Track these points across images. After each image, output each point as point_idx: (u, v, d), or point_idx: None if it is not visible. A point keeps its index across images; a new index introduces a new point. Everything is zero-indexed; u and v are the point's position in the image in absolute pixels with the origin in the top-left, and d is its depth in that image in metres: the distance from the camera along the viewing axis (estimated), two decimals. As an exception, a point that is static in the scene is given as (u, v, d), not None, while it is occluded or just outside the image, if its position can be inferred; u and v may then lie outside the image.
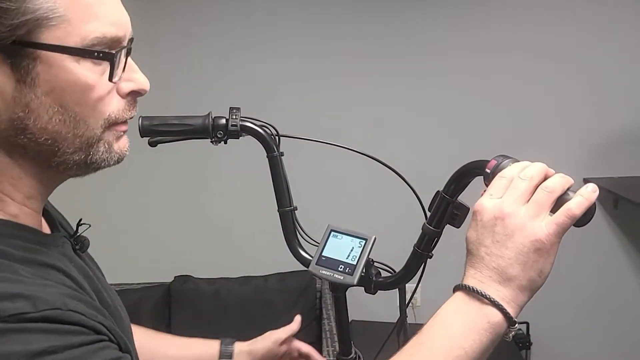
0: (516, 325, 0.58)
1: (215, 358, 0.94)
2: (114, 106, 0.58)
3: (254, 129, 0.88)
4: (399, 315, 0.97)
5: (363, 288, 0.86)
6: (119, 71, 0.57)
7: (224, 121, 0.87)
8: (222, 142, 0.91)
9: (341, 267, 0.83)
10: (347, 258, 0.83)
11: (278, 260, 2.59)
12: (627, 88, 2.49)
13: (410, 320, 2.84)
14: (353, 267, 0.82)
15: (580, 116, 2.52)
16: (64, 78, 0.53)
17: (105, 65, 0.56)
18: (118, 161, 0.61)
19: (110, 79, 0.56)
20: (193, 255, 2.60)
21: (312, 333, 2.42)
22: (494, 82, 2.52)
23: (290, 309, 2.44)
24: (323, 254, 0.85)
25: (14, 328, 0.45)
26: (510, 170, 0.63)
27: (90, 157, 0.58)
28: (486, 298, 0.58)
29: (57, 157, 0.56)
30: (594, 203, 0.59)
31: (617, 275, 2.62)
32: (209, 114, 0.89)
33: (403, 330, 0.98)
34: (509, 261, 0.58)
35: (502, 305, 0.58)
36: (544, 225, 0.58)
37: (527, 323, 2.60)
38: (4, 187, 0.57)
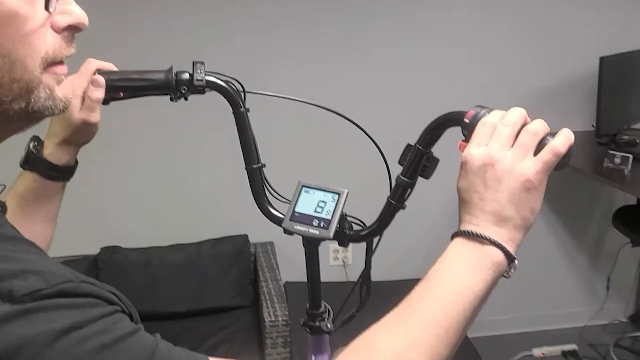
0: (515, 261, 0.62)
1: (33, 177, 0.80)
2: (50, 42, 0.52)
3: (219, 84, 0.85)
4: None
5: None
6: (53, 1, 0.50)
7: (187, 76, 0.84)
8: (183, 99, 0.88)
9: (315, 222, 0.83)
10: (321, 213, 0.84)
11: (211, 226, 2.58)
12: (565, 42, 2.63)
13: (342, 279, 2.92)
14: (328, 222, 0.83)
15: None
16: None
17: None
18: (63, 109, 0.55)
19: (46, 8, 0.50)
20: (120, 225, 2.49)
21: (247, 297, 2.43)
22: (447, 35, 2.57)
23: (225, 274, 2.42)
24: (296, 210, 0.85)
25: (32, 308, 0.42)
26: (492, 118, 0.65)
27: (31, 105, 0.51)
28: (486, 239, 0.60)
29: None
30: (572, 146, 0.63)
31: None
32: (170, 68, 0.85)
33: (367, 283, 1.00)
34: (503, 203, 0.61)
35: (501, 244, 0.60)
36: (531, 165, 0.61)
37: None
38: None
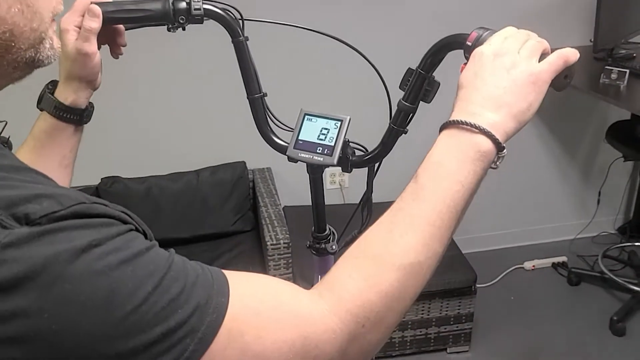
0: (504, 150, 0.62)
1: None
2: None
3: (218, 12, 0.84)
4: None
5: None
6: None
7: (184, 4, 0.82)
8: (180, 29, 0.87)
9: (319, 149, 0.85)
10: (324, 140, 0.85)
11: (208, 153, 2.59)
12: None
13: (339, 201, 2.97)
14: (331, 148, 0.84)
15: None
16: None
17: None
18: (55, 59, 0.58)
19: None
20: (119, 155, 2.50)
21: (248, 222, 2.49)
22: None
23: (225, 201, 2.47)
24: (299, 137, 0.86)
25: (50, 229, 0.43)
26: (506, 31, 0.67)
27: (38, 54, 0.54)
28: (476, 127, 0.60)
29: (10, 54, 0.52)
30: (576, 65, 0.65)
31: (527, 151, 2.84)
32: (167, -3, 0.83)
33: (368, 205, 1.03)
34: (504, 89, 0.62)
35: (491, 132, 0.60)
36: (538, 64, 0.63)
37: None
38: None
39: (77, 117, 0.80)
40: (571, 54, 0.64)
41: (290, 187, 2.63)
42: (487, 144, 0.61)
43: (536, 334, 2.44)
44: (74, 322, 0.42)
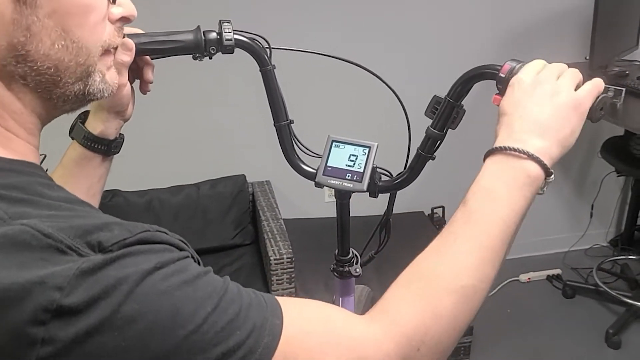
0: (552, 175, 0.63)
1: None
2: (107, 31, 0.57)
3: (247, 42, 0.85)
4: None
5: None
6: None
7: (215, 35, 0.83)
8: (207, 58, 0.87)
9: (349, 175, 0.86)
10: (353, 166, 0.87)
11: (208, 166, 2.59)
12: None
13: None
14: (361, 174, 0.86)
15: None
16: None
17: None
18: (111, 93, 0.59)
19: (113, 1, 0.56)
20: (118, 167, 2.48)
21: (248, 236, 2.49)
22: None
23: (225, 214, 2.47)
24: (328, 164, 0.88)
25: (120, 254, 0.46)
26: (538, 63, 0.69)
27: (88, 87, 0.56)
28: (524, 153, 0.61)
29: (58, 89, 0.53)
30: (607, 98, 0.67)
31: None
32: (198, 27, 0.84)
33: (387, 227, 1.05)
34: (548, 115, 0.64)
35: (539, 158, 0.62)
36: (577, 91, 0.66)
37: (443, 207, 2.84)
38: (9, 123, 0.53)
39: (105, 147, 0.80)
40: (600, 83, 0.67)
41: (290, 200, 2.64)
42: (536, 170, 0.62)
43: (534, 347, 2.47)
44: (141, 340, 0.45)
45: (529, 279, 2.88)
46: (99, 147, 0.81)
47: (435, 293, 0.57)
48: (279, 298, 0.54)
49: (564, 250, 3.05)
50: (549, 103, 0.64)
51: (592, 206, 3.02)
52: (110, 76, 0.59)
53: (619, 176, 2.89)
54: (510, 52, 2.80)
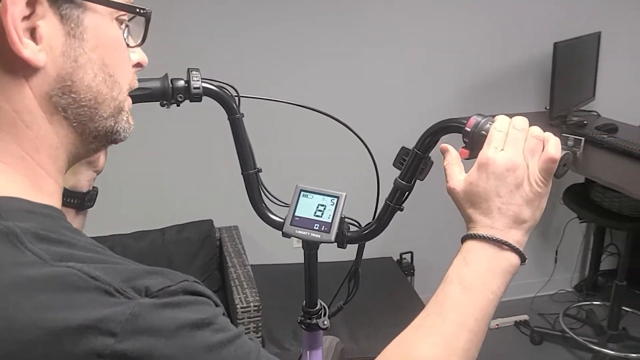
0: (526, 262, 0.67)
1: None
2: (131, 72, 0.59)
3: (216, 91, 0.85)
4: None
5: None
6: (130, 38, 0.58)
7: (183, 83, 0.83)
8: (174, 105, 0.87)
9: (317, 226, 0.85)
10: (321, 217, 0.86)
11: (174, 211, 2.55)
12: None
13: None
14: (329, 225, 0.85)
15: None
16: (108, 34, 0.53)
17: (121, 29, 0.56)
18: (128, 136, 0.60)
19: (143, 41, 0.59)
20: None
21: (215, 282, 2.43)
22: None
23: (191, 261, 2.41)
24: (296, 214, 0.87)
25: (170, 302, 0.46)
26: (503, 124, 0.69)
27: (117, 125, 0.57)
28: (507, 245, 0.65)
29: (93, 122, 0.54)
30: (569, 155, 0.68)
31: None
32: (166, 75, 0.83)
33: (355, 277, 1.03)
34: (522, 207, 0.66)
35: (520, 250, 0.66)
36: (538, 172, 0.67)
37: (412, 252, 2.84)
38: (43, 159, 0.52)
39: (77, 201, 0.77)
40: (556, 151, 0.67)
41: (258, 245, 2.61)
42: (516, 259, 0.66)
43: (503, 395, 2.44)
44: None
45: (497, 325, 2.87)
46: (71, 201, 0.77)
47: None
48: None
49: (530, 296, 3.07)
50: (521, 194, 0.66)
51: (557, 252, 3.06)
52: (131, 118, 0.60)
53: (581, 222, 2.95)
54: (476, 102, 2.89)
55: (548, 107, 2.51)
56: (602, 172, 2.27)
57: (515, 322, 2.89)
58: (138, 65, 0.62)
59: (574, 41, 2.50)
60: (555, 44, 2.38)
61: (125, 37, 0.57)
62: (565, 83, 2.51)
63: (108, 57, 0.53)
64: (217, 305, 0.52)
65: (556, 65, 2.39)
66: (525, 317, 2.90)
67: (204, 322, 0.48)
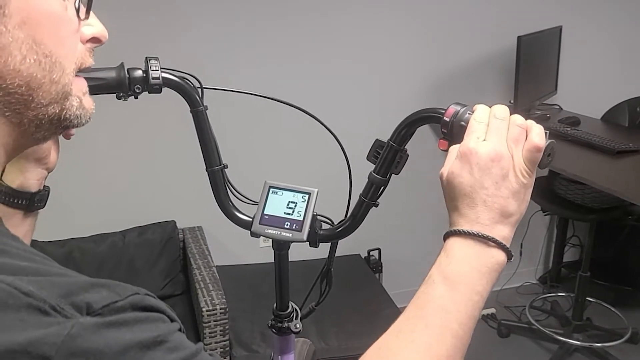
0: (512, 258, 0.63)
1: None
2: (79, 50, 0.52)
3: (177, 81, 0.79)
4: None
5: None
6: (83, 9, 0.51)
7: (140, 73, 0.76)
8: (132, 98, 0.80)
9: (287, 224, 0.81)
10: (292, 214, 0.81)
11: (135, 213, 2.45)
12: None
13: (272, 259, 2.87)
14: (300, 223, 0.80)
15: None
16: (39, 6, 0.46)
17: (68, 1, 0.49)
18: (87, 121, 0.54)
19: (87, 13, 0.52)
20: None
21: (178, 285, 2.36)
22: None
23: (153, 264, 2.33)
24: (265, 212, 0.82)
25: (115, 321, 0.41)
26: (483, 113, 0.66)
27: (64, 112, 0.51)
28: (493, 241, 0.60)
29: (30, 111, 0.48)
30: (554, 145, 0.65)
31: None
32: (121, 64, 0.77)
33: (328, 278, 0.99)
34: (508, 199, 0.61)
35: (506, 246, 0.61)
36: (523, 162, 0.63)
37: (379, 249, 2.82)
38: None
39: (25, 201, 0.69)
40: (540, 139, 0.63)
41: (223, 246, 2.54)
42: (501, 256, 0.62)
43: (473, 389, 2.44)
44: None
45: (465, 319, 2.88)
46: (19, 201, 0.69)
47: None
48: None
49: (496, 289, 3.08)
50: (506, 185, 0.62)
51: (521, 244, 3.09)
52: (87, 102, 0.54)
53: (545, 215, 2.98)
54: (441, 96, 2.89)
55: (512, 101, 2.52)
56: (566, 164, 2.29)
57: (483, 315, 2.90)
58: (95, 40, 0.54)
59: (537, 35, 2.52)
60: (519, 37, 2.39)
61: (77, 7, 0.50)
62: (529, 77, 2.53)
63: (40, 34, 0.46)
64: (172, 321, 0.46)
65: (520, 59, 2.40)
66: (492, 310, 2.92)
67: (155, 340, 0.42)
